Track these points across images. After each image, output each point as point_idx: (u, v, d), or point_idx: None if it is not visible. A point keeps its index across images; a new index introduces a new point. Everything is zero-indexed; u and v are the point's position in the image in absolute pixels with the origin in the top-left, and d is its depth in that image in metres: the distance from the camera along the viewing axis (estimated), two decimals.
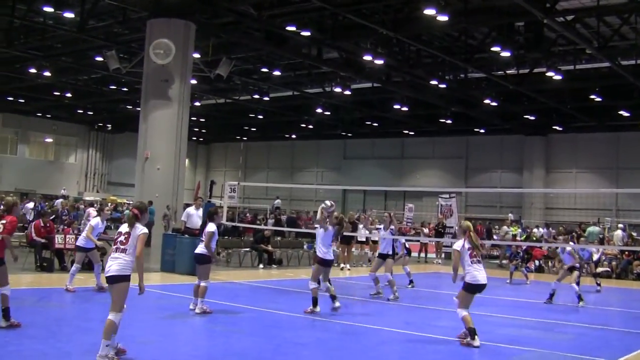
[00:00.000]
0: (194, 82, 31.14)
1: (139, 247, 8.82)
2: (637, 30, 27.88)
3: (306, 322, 13.11)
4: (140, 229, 8.93)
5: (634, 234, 33.90)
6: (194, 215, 21.55)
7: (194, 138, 65.78)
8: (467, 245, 11.42)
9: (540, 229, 37.51)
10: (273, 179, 64.13)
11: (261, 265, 24.49)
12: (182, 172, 26.46)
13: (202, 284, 13.16)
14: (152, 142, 25.49)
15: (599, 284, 21.87)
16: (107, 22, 30.46)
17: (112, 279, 8.73)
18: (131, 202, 38.92)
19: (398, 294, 16.99)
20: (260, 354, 10.08)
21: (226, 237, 26.72)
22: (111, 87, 44.17)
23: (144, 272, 8.96)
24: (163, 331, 11.37)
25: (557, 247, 26.79)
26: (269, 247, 24.93)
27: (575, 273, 17.98)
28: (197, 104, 45.71)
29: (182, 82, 25.56)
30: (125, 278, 8.75)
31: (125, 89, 44.14)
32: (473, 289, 11.36)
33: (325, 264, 14.11)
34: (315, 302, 13.79)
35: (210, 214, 13.86)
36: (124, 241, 8.86)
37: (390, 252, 17.71)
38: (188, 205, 25.20)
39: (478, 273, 11.33)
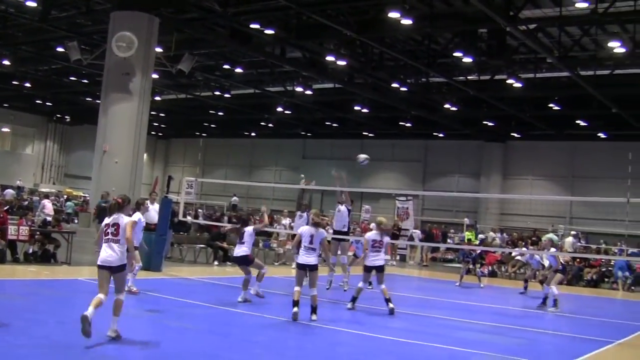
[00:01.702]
0: (155, 76, 30.95)
1: (128, 231, 9.77)
2: (597, 42, 28.27)
3: (261, 321, 13.06)
4: (127, 218, 10.03)
5: (583, 242, 34.50)
6: (151, 210, 21.44)
7: (154, 133, 65.40)
8: (374, 238, 14.92)
9: (492, 234, 37.74)
10: (232, 176, 63.96)
11: (216, 262, 24.41)
12: (140, 166, 26.30)
13: (262, 270, 15.15)
14: (111, 135, 25.30)
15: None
16: (69, 12, 30.09)
17: (114, 269, 9.74)
18: (87, 195, 38.66)
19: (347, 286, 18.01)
20: (214, 351, 10.04)
21: (181, 232, 26.61)
22: (72, 78, 43.72)
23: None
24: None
25: (513, 253, 27.16)
26: (225, 245, 24.86)
27: (559, 276, 18.22)
28: (158, 98, 45.45)
29: (143, 76, 25.41)
30: (125, 266, 9.92)
31: (85, 81, 43.70)
32: (368, 269, 15.01)
33: (300, 267, 13.52)
34: (294, 304, 12.90)
35: (245, 220, 15.80)
36: (115, 233, 9.78)
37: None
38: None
39: (373, 258, 14.85)
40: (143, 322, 12.12)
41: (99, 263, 9.76)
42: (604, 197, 37.29)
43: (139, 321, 12.10)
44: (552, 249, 18.90)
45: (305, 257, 13.29)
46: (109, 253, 9.69)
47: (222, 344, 10.61)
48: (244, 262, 14.97)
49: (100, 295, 9.48)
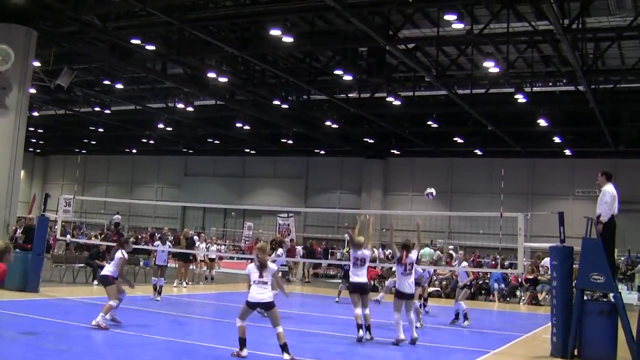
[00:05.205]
0: (33, 91, 30.26)
1: None
2: (472, 62, 29.14)
3: (140, 340, 12.93)
4: None
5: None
6: None
7: (31, 149, 63.71)
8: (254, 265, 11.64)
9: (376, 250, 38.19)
10: (112, 193, 62.97)
11: (95, 282, 23.91)
12: (17, 184, 25.59)
13: (110, 302, 14.15)
14: None
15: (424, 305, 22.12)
16: None
17: None
18: None
19: None
20: None
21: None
22: None
23: None
24: None
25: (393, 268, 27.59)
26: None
27: (466, 291, 18.87)
28: (36, 114, 44.41)
29: (20, 90, 24.76)
30: None
31: None
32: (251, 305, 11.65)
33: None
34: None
35: (121, 242, 15.35)
36: None
37: None
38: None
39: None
40: (17, 346, 11.68)
41: None
42: (480, 211, 38.37)
43: (13, 344, 11.72)
44: (464, 263, 19.58)
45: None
46: None
47: None
48: (102, 280, 14.92)
49: None
